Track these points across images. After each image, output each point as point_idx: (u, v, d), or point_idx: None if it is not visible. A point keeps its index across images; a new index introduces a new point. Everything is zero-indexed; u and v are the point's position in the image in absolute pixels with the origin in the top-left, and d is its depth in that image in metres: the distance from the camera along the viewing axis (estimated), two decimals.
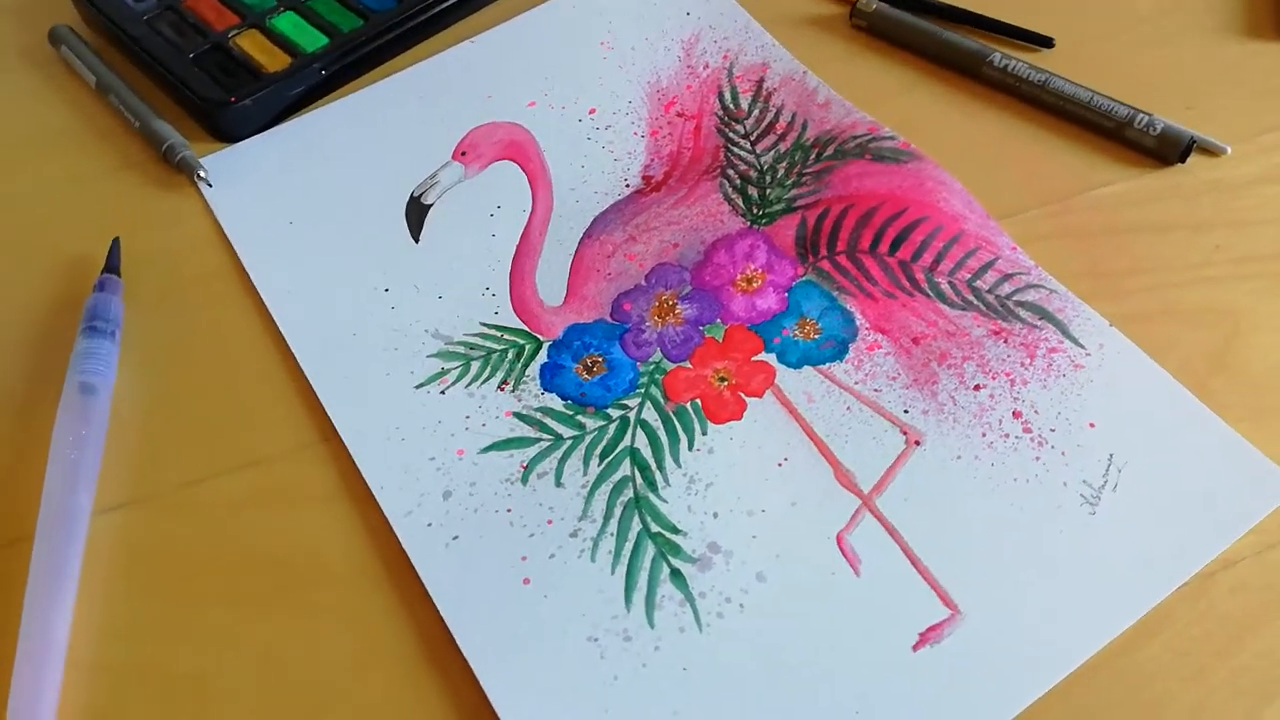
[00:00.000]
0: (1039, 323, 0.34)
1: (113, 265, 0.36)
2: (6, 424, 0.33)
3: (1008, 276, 0.35)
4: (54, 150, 0.41)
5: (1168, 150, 0.38)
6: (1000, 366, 0.33)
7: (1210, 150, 0.39)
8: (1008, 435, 0.31)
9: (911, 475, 0.31)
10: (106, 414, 0.32)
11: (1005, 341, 0.33)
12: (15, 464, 0.32)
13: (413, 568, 0.29)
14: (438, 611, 0.28)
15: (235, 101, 0.40)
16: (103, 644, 0.28)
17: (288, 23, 0.43)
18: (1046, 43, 0.43)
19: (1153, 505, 0.30)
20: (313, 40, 0.43)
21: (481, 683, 0.27)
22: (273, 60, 0.42)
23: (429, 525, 0.30)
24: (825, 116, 0.40)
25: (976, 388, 0.32)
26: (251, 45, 0.43)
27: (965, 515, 0.30)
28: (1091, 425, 0.32)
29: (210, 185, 0.39)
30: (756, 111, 0.41)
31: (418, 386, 0.33)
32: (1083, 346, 0.33)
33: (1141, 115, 0.39)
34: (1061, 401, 0.32)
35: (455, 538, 0.30)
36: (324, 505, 0.31)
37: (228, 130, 0.41)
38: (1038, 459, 0.31)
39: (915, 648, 0.28)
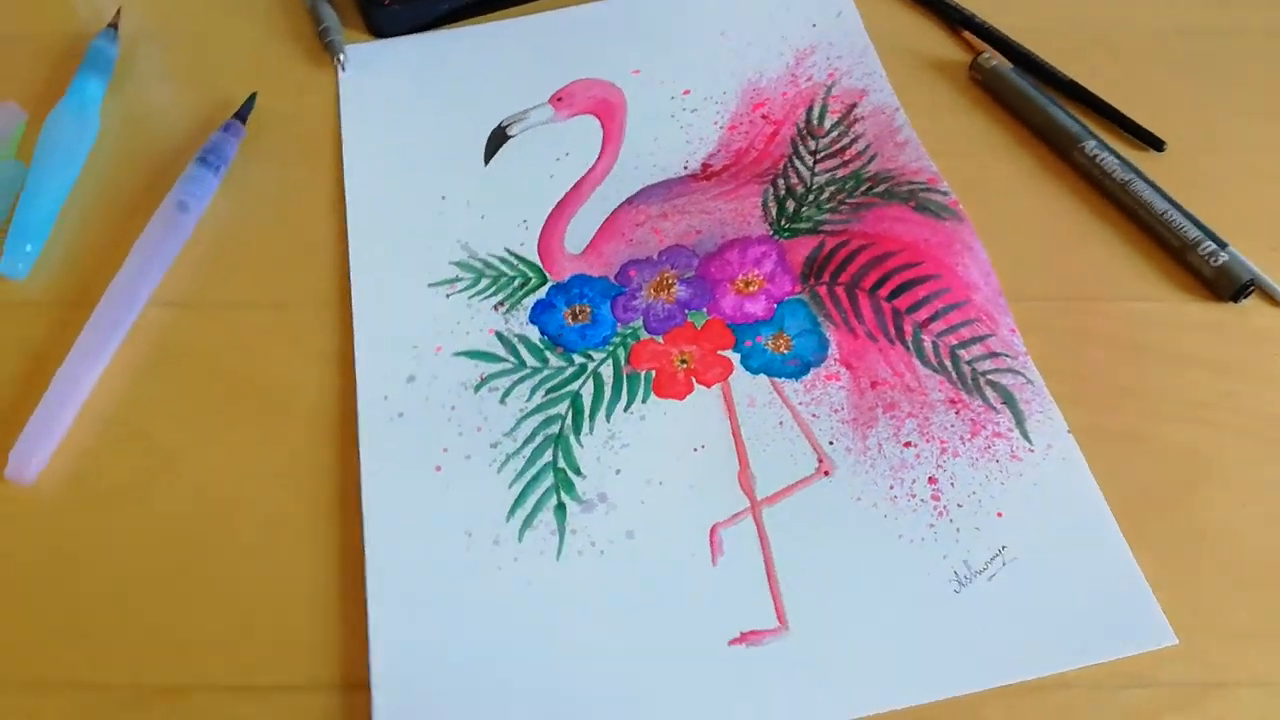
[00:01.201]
0: (999, 405, 0.34)
1: (242, 114, 0.42)
2: (125, 212, 0.40)
3: (993, 355, 0.36)
4: (243, 5, 0.48)
5: (1222, 285, 0.37)
6: (939, 433, 0.34)
7: (1273, 298, 0.37)
8: (914, 496, 0.33)
9: (807, 499, 0.33)
10: (189, 230, 0.39)
11: (957, 413, 0.34)
12: (125, 240, 0.38)
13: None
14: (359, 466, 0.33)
15: (388, 4, 0.46)
16: (113, 407, 0.35)
17: None
18: (1157, 145, 0.42)
19: (1019, 607, 0.30)
20: None
21: (364, 531, 0.31)
22: None
23: (385, 398, 0.35)
24: (896, 155, 0.41)
25: (906, 444, 0.34)
26: None
27: (835, 550, 0.31)
28: (1000, 515, 0.32)
29: (344, 70, 0.45)
30: (835, 133, 0.42)
31: (430, 285, 0.38)
32: (1029, 442, 0.34)
33: (1209, 243, 0.38)
34: (981, 484, 0.33)
35: (400, 414, 0.34)
36: (317, 359, 0.36)
37: (377, 26, 0.47)
38: (931, 526, 0.32)
39: (732, 642, 0.30)
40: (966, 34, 0.46)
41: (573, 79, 0.45)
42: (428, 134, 0.43)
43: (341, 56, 0.45)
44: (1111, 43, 0.45)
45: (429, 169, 0.41)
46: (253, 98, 0.43)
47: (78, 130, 0.42)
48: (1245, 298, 0.37)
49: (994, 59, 0.44)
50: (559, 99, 0.44)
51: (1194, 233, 0.38)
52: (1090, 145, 0.41)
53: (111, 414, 0.35)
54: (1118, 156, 0.41)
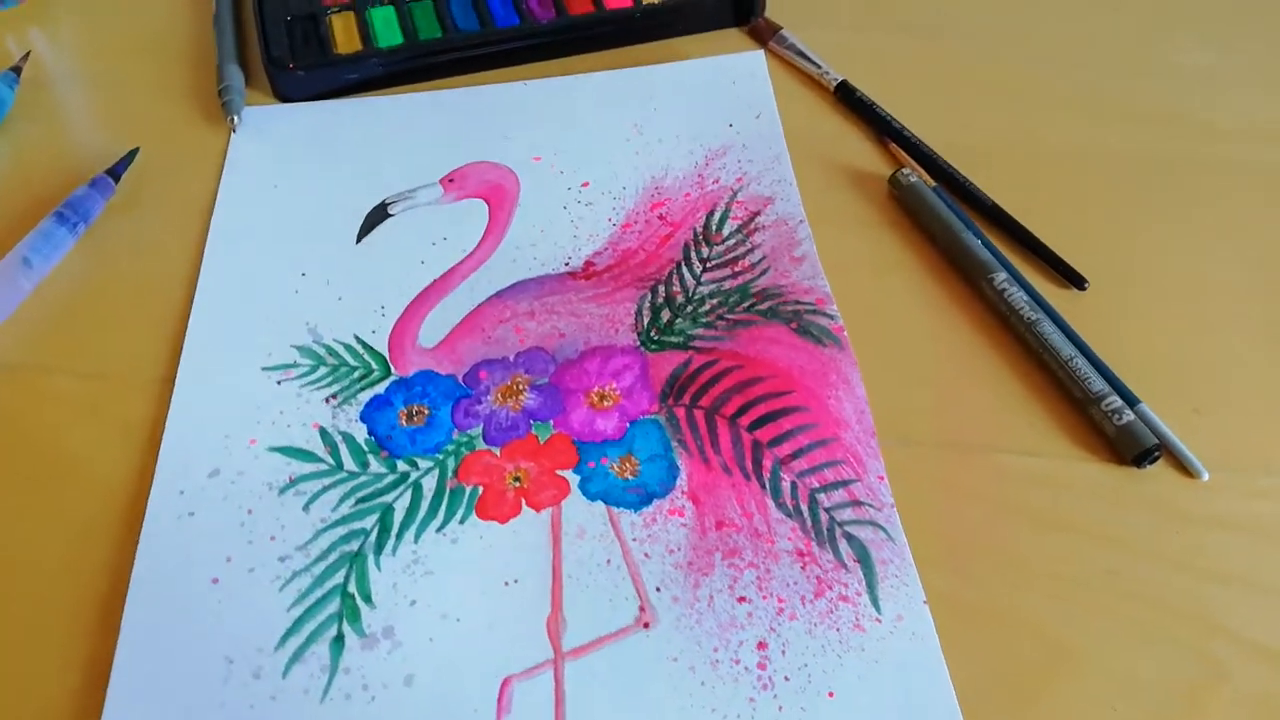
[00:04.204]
0: (851, 563, 0.31)
1: (115, 170, 0.40)
2: None
3: (855, 503, 0.32)
4: (149, 46, 0.47)
5: (1123, 448, 0.33)
6: (779, 590, 0.30)
7: (1186, 470, 0.34)
8: (738, 662, 0.29)
9: (619, 654, 0.29)
10: (29, 288, 0.37)
11: (803, 567, 0.31)
12: None
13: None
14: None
15: (293, 68, 0.44)
16: None
17: (381, 16, 0.47)
18: (1078, 283, 0.39)
19: None
20: (391, 37, 0.46)
21: (120, 635, 0.28)
22: (347, 42, 0.46)
23: (181, 492, 0.32)
24: (789, 271, 0.38)
25: (741, 599, 0.30)
26: (340, 26, 0.46)
27: (642, 716, 0.28)
28: (830, 695, 0.28)
29: (235, 131, 0.43)
30: (732, 241, 0.40)
31: (264, 368, 0.35)
32: (878, 610, 0.30)
33: (1115, 399, 0.34)
34: (816, 655, 0.29)
35: (191, 513, 0.31)
36: (121, 437, 0.33)
37: (282, 91, 0.45)
38: (751, 700, 0.28)
39: None
40: (893, 145, 0.44)
41: (470, 158, 0.42)
42: (306, 205, 0.41)
43: (235, 118, 0.43)
44: (1057, 163, 0.42)
45: (296, 241, 0.39)
46: (132, 153, 0.41)
47: None
48: (1150, 463, 0.33)
49: (913, 175, 0.41)
50: (450, 179, 0.42)
51: (1099, 385, 0.34)
52: (999, 278, 0.37)
53: None
54: (1029, 293, 0.37)
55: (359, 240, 0.39)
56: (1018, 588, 0.31)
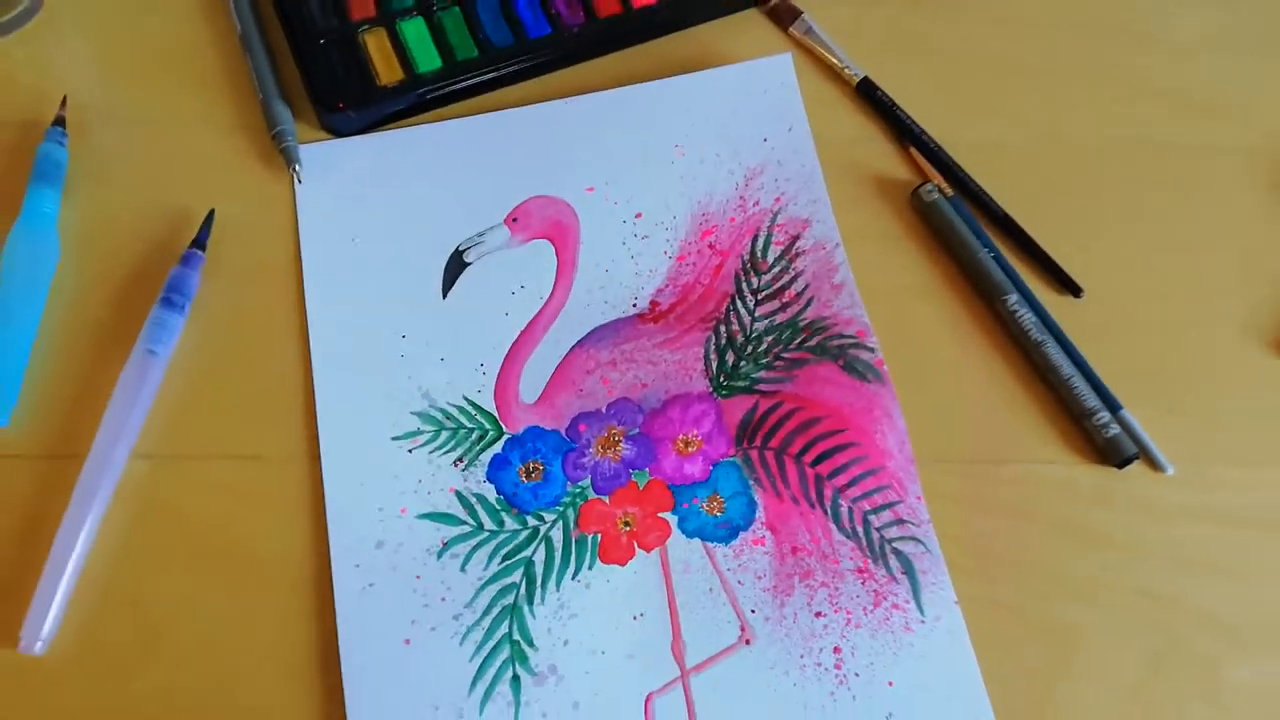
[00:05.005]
0: (900, 576, 0.39)
1: (200, 240, 0.43)
2: (94, 345, 0.42)
3: (899, 522, 0.40)
4: (191, 87, 0.47)
5: (1110, 456, 0.42)
6: (846, 603, 0.39)
7: (1155, 465, 0.42)
8: (820, 665, 0.38)
9: (729, 667, 0.38)
10: (160, 376, 0.41)
11: (863, 583, 0.39)
12: (98, 381, 0.41)
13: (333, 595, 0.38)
14: (337, 634, 0.37)
15: (343, 108, 0.46)
16: (105, 571, 0.38)
17: (414, 31, 0.48)
18: (1074, 291, 0.45)
19: None
20: (429, 60, 0.47)
21: (346, 707, 0.36)
22: (389, 71, 0.47)
23: (357, 566, 0.39)
24: (831, 300, 0.44)
25: (817, 614, 0.39)
26: (375, 47, 0.47)
27: (754, 715, 0.37)
28: (890, 684, 0.38)
29: (300, 181, 0.45)
30: (777, 269, 0.45)
31: (393, 438, 0.41)
32: (922, 614, 0.39)
33: (1104, 413, 0.42)
34: (878, 653, 0.38)
35: (371, 585, 0.38)
36: (290, 518, 0.39)
37: (331, 127, 0.47)
38: (832, 694, 0.38)
39: None
40: (913, 150, 0.48)
41: (527, 190, 0.46)
42: (385, 256, 0.44)
43: (298, 168, 0.45)
44: (1072, 155, 0.47)
45: (388, 300, 0.43)
46: (210, 217, 0.44)
47: (38, 256, 0.43)
48: (1131, 464, 0.42)
49: (934, 191, 0.46)
50: (514, 219, 0.45)
51: (1092, 401, 0.42)
52: (1011, 300, 0.44)
53: (104, 579, 0.38)
54: (1036, 311, 0.44)
55: (445, 294, 0.44)
56: (1027, 587, 0.40)
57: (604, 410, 0.42)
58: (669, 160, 0.46)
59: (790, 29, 0.50)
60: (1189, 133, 0.48)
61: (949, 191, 0.46)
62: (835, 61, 0.49)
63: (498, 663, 0.37)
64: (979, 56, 0.49)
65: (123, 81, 0.48)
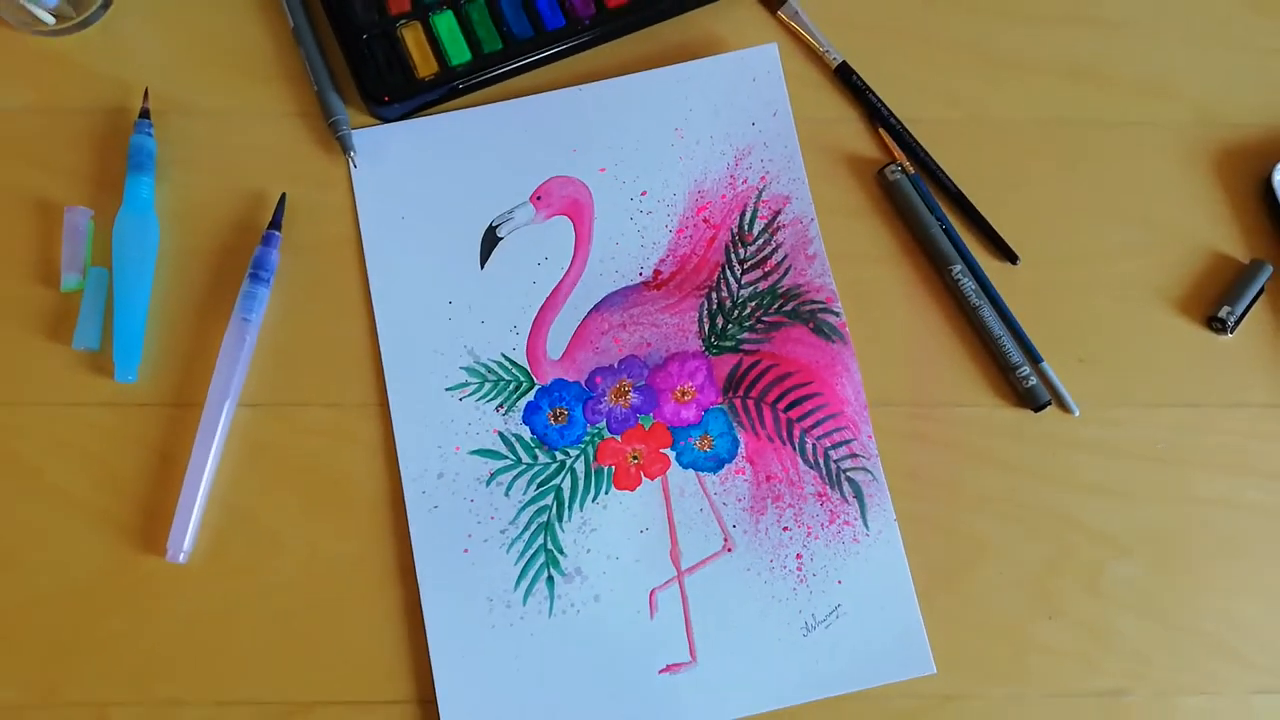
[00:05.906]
0: (851, 499, 0.50)
1: (276, 221, 0.52)
2: (196, 312, 0.51)
3: (853, 456, 0.50)
4: (251, 78, 0.54)
5: (1028, 402, 0.51)
6: (808, 520, 0.50)
7: (1065, 408, 0.52)
8: (785, 568, 0.49)
9: (715, 569, 0.49)
10: (255, 338, 0.50)
11: (822, 504, 0.50)
12: (204, 341, 0.50)
13: (406, 514, 0.49)
14: (411, 547, 0.48)
15: (388, 100, 0.53)
16: (228, 495, 0.49)
17: (445, 25, 0.54)
18: (1012, 258, 0.54)
19: (843, 647, 0.48)
20: (459, 53, 0.54)
21: (422, 599, 0.48)
22: (425, 65, 0.54)
23: (424, 493, 0.49)
24: (804, 270, 0.53)
25: (785, 529, 0.49)
26: (413, 42, 0.54)
27: (733, 605, 0.48)
28: (839, 582, 0.49)
29: (355, 166, 0.53)
30: (761, 241, 0.53)
31: (446, 389, 0.51)
32: (867, 528, 0.49)
33: (1025, 367, 0.51)
34: (831, 559, 0.49)
35: (435, 507, 0.49)
36: (367, 453, 0.50)
37: (377, 114, 0.54)
38: (794, 590, 0.49)
39: (661, 671, 0.48)
40: (882, 131, 0.55)
41: (548, 170, 0.54)
42: (430, 232, 0.52)
43: (353, 154, 0.53)
44: (1007, 133, 0.55)
45: (436, 270, 0.52)
46: (282, 201, 0.52)
47: (143, 236, 0.51)
48: (1046, 409, 0.51)
49: (897, 171, 0.54)
50: (538, 197, 0.53)
51: (1017, 356, 0.51)
52: (956, 269, 0.52)
53: (227, 503, 0.49)
54: (977, 279, 0.52)
55: (483, 265, 0.52)
56: (951, 505, 0.50)
57: (616, 365, 0.51)
58: (670, 143, 0.54)
59: (779, 12, 0.57)
60: (1113, 110, 0.55)
61: (911, 170, 0.54)
62: (817, 45, 0.56)
63: (536, 566, 0.48)
64: (953, 38, 0.56)
65: (190, 73, 0.54)
